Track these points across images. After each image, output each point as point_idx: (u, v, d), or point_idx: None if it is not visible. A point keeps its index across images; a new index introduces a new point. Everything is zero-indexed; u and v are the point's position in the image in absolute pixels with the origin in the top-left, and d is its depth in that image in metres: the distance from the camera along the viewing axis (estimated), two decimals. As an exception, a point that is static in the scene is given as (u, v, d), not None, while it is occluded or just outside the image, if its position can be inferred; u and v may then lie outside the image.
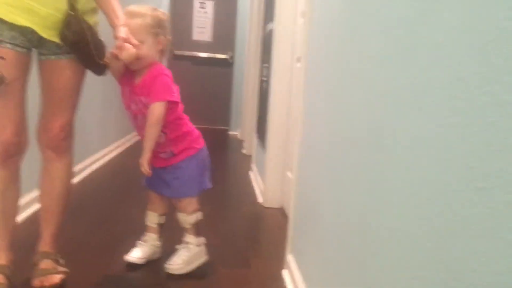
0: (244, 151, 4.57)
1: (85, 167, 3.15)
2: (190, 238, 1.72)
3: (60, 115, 1.50)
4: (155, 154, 1.63)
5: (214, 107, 6.19)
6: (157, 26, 1.57)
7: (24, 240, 1.64)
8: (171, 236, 1.77)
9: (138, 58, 1.50)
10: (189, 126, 1.72)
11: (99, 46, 1.49)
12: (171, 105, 1.59)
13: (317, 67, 1.57)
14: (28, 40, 1.39)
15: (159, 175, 1.67)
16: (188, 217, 1.70)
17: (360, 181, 1.00)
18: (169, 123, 1.61)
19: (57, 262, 1.55)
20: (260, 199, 2.77)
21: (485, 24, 0.57)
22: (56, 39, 1.42)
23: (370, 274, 0.89)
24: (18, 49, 1.37)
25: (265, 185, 2.70)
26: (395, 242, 0.78)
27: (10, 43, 1.35)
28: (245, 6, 5.86)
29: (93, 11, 1.52)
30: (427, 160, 0.69)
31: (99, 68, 1.52)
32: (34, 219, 1.93)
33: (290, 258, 1.67)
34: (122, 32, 1.44)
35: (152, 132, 1.56)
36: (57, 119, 1.49)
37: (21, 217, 1.96)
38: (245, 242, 2.14)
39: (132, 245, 1.75)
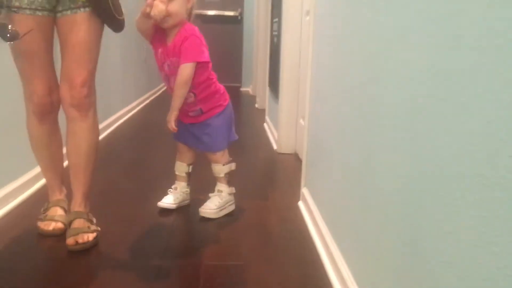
0: (257, 105, 4.75)
1: (109, 124, 3.38)
2: (222, 186, 1.82)
3: (81, 70, 1.49)
4: (184, 113, 1.72)
5: (225, 64, 6.30)
6: None
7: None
8: (198, 186, 1.95)
9: (168, 14, 1.53)
10: (217, 84, 1.77)
11: (116, 2, 1.51)
12: (201, 65, 1.62)
13: (323, 20, 1.73)
14: (47, 1, 1.41)
15: (188, 130, 1.77)
16: (223, 167, 1.80)
17: (360, 120, 1.20)
18: (199, 84, 1.66)
19: (89, 221, 1.58)
20: (275, 146, 2.99)
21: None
22: None
23: (367, 190, 1.11)
24: (38, 12, 1.40)
25: (279, 133, 2.91)
26: (386, 164, 0.99)
27: (29, 9, 1.38)
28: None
29: None
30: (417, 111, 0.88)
31: (117, 23, 1.54)
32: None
33: (304, 191, 1.91)
34: None
35: (180, 92, 1.61)
36: (78, 74, 1.48)
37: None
38: (263, 180, 2.38)
39: (160, 193, 1.89)
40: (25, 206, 1.86)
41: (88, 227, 1.55)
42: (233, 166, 1.85)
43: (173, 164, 1.90)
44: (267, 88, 3.80)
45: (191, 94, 1.67)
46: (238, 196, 1.90)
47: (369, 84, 1.14)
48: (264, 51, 4.18)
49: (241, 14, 6.26)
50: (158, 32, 1.64)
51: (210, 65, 1.69)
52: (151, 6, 1.49)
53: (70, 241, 1.50)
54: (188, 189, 1.91)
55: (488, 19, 0.62)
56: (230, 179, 1.86)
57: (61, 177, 1.69)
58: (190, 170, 1.90)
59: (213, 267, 1.42)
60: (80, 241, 1.50)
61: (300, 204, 1.94)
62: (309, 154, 1.93)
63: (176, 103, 1.64)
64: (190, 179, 1.91)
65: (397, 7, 0.97)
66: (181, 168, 1.89)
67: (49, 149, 1.62)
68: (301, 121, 2.62)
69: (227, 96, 1.82)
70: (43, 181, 1.94)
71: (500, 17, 0.59)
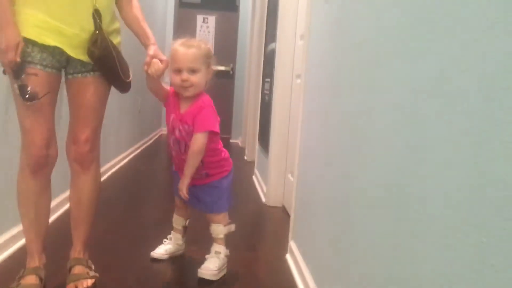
0: (246, 157, 4.90)
1: (103, 172, 3.47)
2: (220, 248, 1.82)
3: (85, 128, 1.58)
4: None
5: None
6: (209, 57, 1.70)
7: (55, 239, 1.78)
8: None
9: (192, 85, 1.64)
10: (223, 151, 1.84)
11: (123, 64, 1.60)
12: (212, 135, 1.71)
13: (313, 83, 1.91)
14: (57, 60, 1.48)
15: (191, 191, 1.75)
16: (223, 228, 1.82)
17: (344, 180, 1.34)
18: (207, 151, 1.71)
19: (88, 267, 1.65)
20: (263, 199, 3.11)
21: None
22: (82, 57, 1.50)
23: (350, 246, 1.23)
24: (48, 69, 1.46)
25: (267, 186, 3.04)
26: (367, 223, 1.12)
27: (40, 64, 1.44)
28: (245, 22, 6.25)
29: (117, 31, 1.62)
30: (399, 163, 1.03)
31: (124, 85, 1.63)
32: (62, 220, 2.18)
33: (292, 244, 2.01)
34: (151, 49, 1.57)
35: (194, 161, 1.68)
36: (82, 132, 1.57)
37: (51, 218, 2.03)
38: (252, 232, 2.48)
39: (153, 241, 1.97)
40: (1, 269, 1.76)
41: (87, 273, 1.61)
42: (232, 227, 1.86)
43: (165, 213, 1.99)
44: (257, 143, 3.97)
45: (200, 162, 1.73)
46: (228, 246, 1.88)
47: (353, 149, 1.29)
48: (254, 107, 4.39)
49: (233, 69, 6.54)
50: (173, 97, 1.72)
51: (219, 136, 1.77)
52: (148, 64, 1.55)
53: (70, 287, 1.55)
54: (182, 242, 1.98)
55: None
56: (227, 240, 1.86)
57: (44, 242, 1.61)
58: (187, 224, 1.97)
59: None
60: (80, 287, 1.56)
61: (288, 256, 2.04)
62: (297, 208, 2.06)
63: (188, 171, 1.69)
64: (186, 232, 1.98)
65: (377, 73, 1.14)
66: (178, 221, 1.96)
67: (36, 206, 1.57)
68: (290, 176, 2.77)
69: (230, 161, 1.89)
70: (20, 244, 1.91)
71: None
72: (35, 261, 1.57)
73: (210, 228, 1.84)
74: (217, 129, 1.71)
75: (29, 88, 1.39)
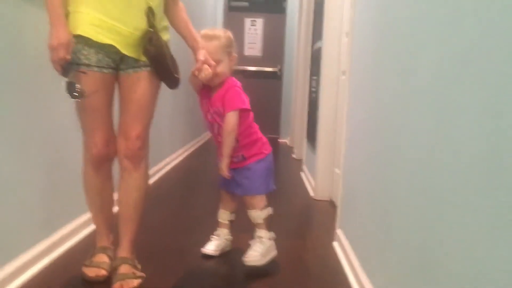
0: (294, 155, 5.00)
1: (159, 169, 3.69)
2: (262, 232, 1.83)
3: (136, 124, 1.58)
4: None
5: (264, 116, 6.55)
6: (229, 45, 1.78)
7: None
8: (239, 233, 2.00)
9: (216, 75, 1.71)
10: (259, 133, 1.88)
11: (174, 61, 1.63)
12: (242, 114, 1.76)
13: (358, 79, 1.99)
14: (113, 60, 1.52)
15: (231, 176, 1.82)
16: (260, 213, 1.83)
17: (388, 168, 1.42)
18: (241, 132, 1.78)
19: (134, 267, 1.65)
20: (311, 193, 3.20)
21: (452, 57, 0.98)
22: (135, 55, 1.53)
23: (392, 229, 1.31)
24: (104, 70, 1.50)
25: (315, 181, 3.13)
26: (408, 207, 1.20)
27: (97, 66, 1.48)
28: (292, 23, 6.34)
29: (166, 29, 1.65)
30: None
31: (174, 81, 1.64)
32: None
33: (339, 232, 2.09)
34: (202, 54, 1.64)
35: (228, 140, 1.75)
36: (133, 128, 1.58)
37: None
38: (300, 223, 2.58)
39: (204, 235, 1.99)
40: (73, 252, 1.90)
41: (133, 273, 1.61)
42: (270, 210, 1.87)
43: (215, 208, 1.99)
44: (305, 140, 4.05)
45: (235, 143, 1.79)
46: (278, 236, 1.92)
47: (392, 141, 1.37)
48: (302, 105, 4.48)
49: (280, 70, 6.66)
50: (205, 86, 1.81)
51: (251, 114, 1.83)
52: (200, 70, 1.66)
53: (116, 286, 1.56)
54: (230, 236, 1.97)
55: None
56: (270, 224, 1.87)
57: (110, 224, 1.74)
58: (233, 218, 1.98)
59: None
60: (125, 287, 1.56)
61: (335, 244, 2.13)
62: (343, 198, 2.14)
63: (226, 151, 1.76)
64: (232, 226, 1.98)
65: (416, 68, 1.21)
66: (224, 215, 1.97)
67: (101, 196, 1.69)
68: (336, 170, 2.84)
69: (269, 147, 1.91)
70: (90, 229, 2.06)
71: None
72: (103, 240, 1.71)
73: (248, 214, 1.85)
74: (246, 105, 1.77)
75: (77, 86, 1.43)
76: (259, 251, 1.80)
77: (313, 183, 3.22)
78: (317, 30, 3.50)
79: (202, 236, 2.03)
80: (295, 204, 3.01)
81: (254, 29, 6.74)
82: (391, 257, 1.33)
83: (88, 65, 1.46)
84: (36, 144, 1.71)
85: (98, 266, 1.63)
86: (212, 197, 3.03)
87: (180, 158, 4.56)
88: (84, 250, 1.82)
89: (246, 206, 1.86)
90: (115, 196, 1.73)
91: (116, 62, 1.54)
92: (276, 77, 6.68)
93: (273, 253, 1.86)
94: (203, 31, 1.75)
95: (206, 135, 6.70)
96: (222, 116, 1.76)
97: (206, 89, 1.82)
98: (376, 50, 1.67)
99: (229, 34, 1.81)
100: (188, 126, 5.17)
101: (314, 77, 3.58)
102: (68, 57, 1.41)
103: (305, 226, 2.55)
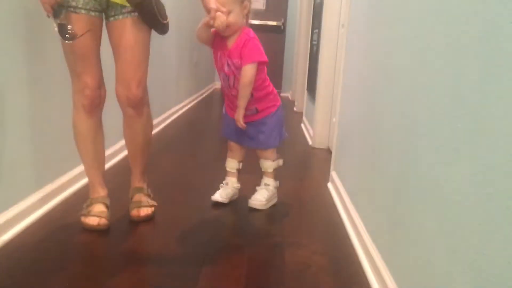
0: (295, 109, 5.15)
1: (164, 119, 3.85)
2: (269, 181, 1.97)
3: (135, 73, 1.60)
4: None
5: (267, 71, 6.76)
6: None
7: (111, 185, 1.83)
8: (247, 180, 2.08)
9: (228, 25, 1.67)
10: (271, 86, 1.90)
11: (161, 7, 1.60)
12: (259, 66, 1.76)
13: (355, 31, 2.11)
14: (99, 3, 1.52)
15: (242, 129, 1.83)
16: (272, 163, 1.95)
17: (374, 116, 1.57)
18: (257, 85, 1.79)
19: (148, 195, 1.79)
20: (310, 142, 3.38)
21: (430, 8, 1.12)
22: (120, 1, 1.53)
23: (377, 166, 1.48)
24: (92, 13, 1.51)
25: (314, 130, 3.30)
26: (390, 149, 1.36)
27: (85, 9, 1.49)
28: (296, -24, 6.30)
29: None
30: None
31: (162, 27, 1.63)
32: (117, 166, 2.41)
33: (333, 174, 2.28)
34: (213, 3, 1.60)
35: (245, 92, 1.75)
36: (133, 77, 1.59)
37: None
38: (299, 167, 2.77)
39: (210, 181, 2.13)
40: (65, 205, 1.89)
41: (147, 202, 1.76)
42: (280, 162, 1.98)
43: (219, 155, 2.08)
44: (305, 92, 4.19)
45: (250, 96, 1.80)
46: (278, 179, 2.04)
47: (381, 87, 1.52)
48: (304, 59, 4.58)
49: (284, 24, 6.68)
50: (217, 37, 1.78)
51: (266, 64, 1.82)
52: (214, 18, 1.62)
53: (134, 212, 1.72)
54: (238, 185, 2.03)
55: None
56: (276, 173, 2.00)
57: (103, 175, 1.75)
58: (240, 167, 2.03)
59: (258, 245, 1.64)
60: (142, 214, 1.72)
61: (329, 184, 2.32)
62: (338, 143, 2.31)
63: (242, 102, 1.77)
64: (239, 174, 2.04)
65: (409, 22, 1.35)
66: (232, 164, 2.01)
67: (94, 144, 1.68)
68: (334, 119, 2.99)
69: (279, 98, 1.96)
70: (79, 184, 2.05)
71: (450, 35, 0.97)
72: (99, 191, 1.71)
73: (260, 163, 1.97)
74: (264, 58, 1.76)
75: (69, 27, 1.43)
76: (265, 196, 1.94)
77: (312, 133, 3.39)
78: (320, -17, 3.56)
79: (208, 178, 2.21)
80: (295, 152, 3.19)
81: (258, -19, 6.71)
82: (374, 188, 1.52)
83: (75, 7, 1.47)
84: (20, 97, 1.65)
85: (98, 215, 1.64)
86: (216, 145, 3.22)
87: (185, 109, 4.72)
88: (76, 203, 1.82)
89: (259, 155, 1.96)
90: (107, 150, 1.72)
91: (102, 6, 1.54)
92: (279, 31, 6.71)
93: (275, 200, 2.01)
94: None
95: (210, 88, 6.82)
96: (239, 68, 1.75)
97: (218, 41, 1.78)
98: (372, 1, 1.78)
99: None
100: (192, 78, 5.30)
101: (316, 31, 3.67)
102: None
103: (303, 171, 2.74)
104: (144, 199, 1.77)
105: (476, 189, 0.81)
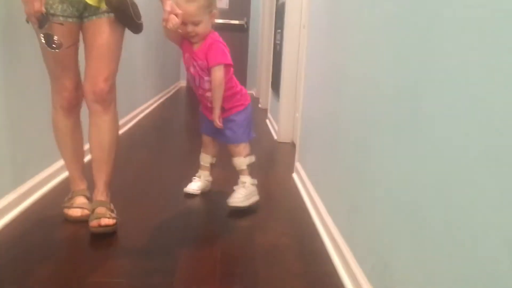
0: (260, 105, 5.31)
1: (133, 117, 3.92)
2: (245, 178, 1.99)
3: (104, 69, 1.62)
4: (209, 110, 1.91)
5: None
6: (209, 4, 1.77)
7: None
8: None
9: (197, 34, 1.77)
10: (239, 86, 1.97)
11: (135, 7, 1.64)
12: (225, 68, 1.83)
13: (315, 31, 2.28)
14: (76, 9, 1.56)
15: (212, 124, 1.92)
16: (244, 160, 1.98)
17: (334, 108, 1.75)
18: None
19: (110, 210, 1.69)
20: (275, 136, 3.55)
21: (377, 15, 1.30)
22: (97, 4, 1.57)
23: (335, 154, 1.65)
24: (69, 19, 1.55)
25: (279, 125, 3.47)
26: (348, 138, 1.54)
27: (62, 16, 1.53)
28: (258, -24, 6.46)
29: None
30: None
31: (136, 27, 1.67)
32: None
33: (297, 165, 2.46)
34: (168, 5, 1.62)
35: (217, 93, 1.84)
36: (101, 73, 1.62)
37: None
38: (265, 160, 2.93)
39: (180, 177, 2.22)
40: (47, 198, 1.96)
41: (110, 214, 1.65)
42: (253, 158, 2.02)
43: (189, 152, 2.20)
44: (270, 89, 4.36)
45: None
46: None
47: (339, 85, 1.69)
48: (268, 57, 4.75)
49: (247, 23, 6.83)
50: (186, 38, 1.85)
51: (232, 68, 1.91)
52: (166, 21, 1.64)
53: (93, 223, 1.61)
54: (210, 178, 2.15)
55: (389, 40, 1.18)
56: (251, 171, 2.03)
57: (83, 169, 1.82)
58: (213, 161, 2.14)
59: (229, 231, 1.80)
60: (102, 223, 1.61)
61: (294, 175, 2.50)
62: (301, 136, 2.49)
63: (216, 103, 1.86)
64: (212, 169, 2.15)
65: (363, 25, 1.52)
66: (206, 159, 2.12)
67: (72, 141, 1.74)
68: (297, 114, 3.17)
69: (248, 97, 2.02)
70: (61, 177, 2.13)
71: (393, 40, 1.15)
72: (79, 184, 1.79)
73: (233, 161, 2.01)
74: (228, 61, 1.84)
75: (55, 37, 1.50)
76: (242, 193, 1.96)
77: (277, 128, 3.56)
78: (281, -15, 3.73)
79: (179, 176, 2.30)
80: (261, 146, 3.34)
81: (221, -19, 6.83)
82: (334, 175, 1.70)
83: (53, 15, 1.50)
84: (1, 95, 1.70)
85: (81, 207, 1.72)
86: (184, 142, 3.34)
87: (153, 107, 4.80)
88: (57, 196, 1.90)
89: (231, 153, 2.01)
90: (86, 144, 1.76)
91: (79, 11, 1.57)
92: (242, 29, 6.85)
93: (255, 197, 2.00)
94: None
95: (176, 86, 6.90)
96: (205, 70, 1.83)
97: (187, 43, 1.85)
98: (331, 4, 1.96)
99: None
100: (159, 77, 5.38)
101: (279, 31, 3.84)
102: (43, 9, 1.45)
103: (269, 164, 2.90)
104: (107, 212, 1.66)
105: (415, 173, 0.99)
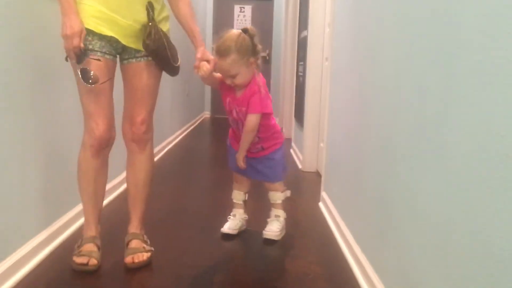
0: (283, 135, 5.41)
1: (161, 149, 4.06)
2: (279, 212, 2.04)
3: (142, 111, 1.68)
4: (248, 149, 1.92)
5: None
6: (244, 53, 1.72)
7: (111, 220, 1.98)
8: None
9: (235, 85, 1.77)
10: (276, 126, 1.98)
11: (173, 51, 1.68)
12: (265, 115, 1.85)
13: (338, 65, 2.37)
14: (114, 48, 1.60)
15: (248, 162, 1.93)
16: (280, 195, 2.03)
17: (358, 138, 1.82)
18: (261, 126, 1.86)
19: (145, 242, 1.74)
20: (300, 166, 3.62)
21: (399, 53, 1.38)
22: (135, 46, 1.61)
23: (362, 186, 1.71)
24: (107, 56, 1.58)
25: (303, 155, 3.54)
26: (373, 168, 1.60)
27: (100, 51, 1.55)
28: (280, 11, 6.70)
29: (166, 19, 1.71)
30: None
31: (174, 70, 1.72)
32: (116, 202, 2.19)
33: (323, 194, 2.52)
34: (199, 52, 1.65)
35: (247, 138, 1.85)
36: (138, 114, 1.68)
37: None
38: (291, 190, 2.95)
39: (215, 211, 2.31)
40: (69, 243, 1.86)
41: (144, 248, 1.71)
42: (288, 193, 2.07)
43: (218, 183, 2.24)
44: (293, 119, 4.46)
45: (256, 137, 1.90)
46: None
47: (365, 117, 1.77)
48: (291, 89, 4.87)
49: (269, 54, 7.02)
50: (224, 82, 1.82)
51: (271, 115, 1.92)
52: (197, 68, 1.65)
53: (128, 259, 1.66)
54: (246, 215, 2.10)
55: (411, 77, 1.26)
56: (294, 211, 2.13)
57: (99, 214, 1.75)
58: (246, 198, 2.11)
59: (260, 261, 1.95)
60: (136, 260, 1.66)
61: (320, 204, 2.55)
62: (327, 166, 2.55)
63: (244, 145, 1.88)
64: (246, 206, 2.12)
65: (386, 58, 1.61)
66: (239, 196, 2.09)
67: (95, 182, 1.69)
68: (321, 144, 3.25)
69: (282, 134, 2.05)
70: (75, 226, 2.03)
71: (415, 77, 1.23)
72: (92, 230, 1.71)
73: (268, 195, 2.04)
74: (269, 110, 1.86)
75: (92, 73, 1.50)
76: (279, 227, 2.01)
77: (301, 157, 3.63)
78: (303, 20, 3.88)
79: (207, 208, 2.37)
80: (286, 176, 3.41)
81: (243, 15, 7.08)
82: (361, 204, 1.75)
83: (91, 50, 1.53)
84: (34, 138, 1.70)
85: (88, 255, 1.64)
86: (212, 172, 3.42)
87: (179, 138, 4.95)
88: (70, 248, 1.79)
89: (267, 188, 2.04)
90: (122, 177, 1.81)
91: (117, 51, 1.63)
92: (265, 61, 7.03)
93: (284, 231, 2.07)
94: (216, 45, 1.74)
95: (201, 117, 7.07)
96: (246, 115, 1.83)
97: (228, 87, 1.83)
98: (354, 39, 2.05)
99: (243, 38, 1.72)
100: (185, 109, 5.56)
101: (301, 63, 3.96)
102: (82, 45, 1.47)
103: (295, 193, 2.92)
104: (141, 245, 1.72)
105: (441, 197, 1.05)
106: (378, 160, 1.56)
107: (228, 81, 1.77)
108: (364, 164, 1.73)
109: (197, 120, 6.61)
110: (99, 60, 1.53)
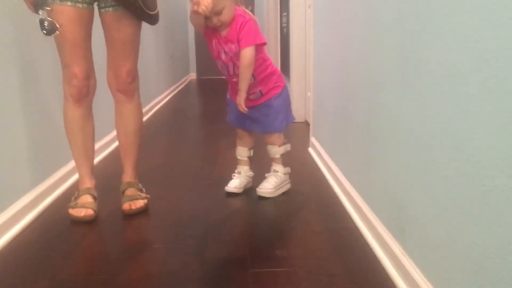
0: (271, 90, 5.42)
1: (149, 109, 4.06)
2: (278, 167, 1.91)
3: (125, 61, 1.66)
4: (246, 96, 1.73)
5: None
6: None
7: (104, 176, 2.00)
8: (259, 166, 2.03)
9: (220, 22, 1.63)
10: (273, 66, 1.82)
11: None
12: (258, 47, 1.70)
13: (321, 11, 2.37)
14: None
15: (247, 114, 1.76)
16: (279, 149, 1.88)
17: (342, 85, 1.85)
18: (257, 66, 1.72)
19: (140, 190, 1.78)
20: (288, 117, 3.66)
21: None
22: None
23: (347, 125, 1.76)
24: (79, 5, 1.52)
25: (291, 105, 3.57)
26: (358, 103, 1.64)
27: (71, 1, 1.50)
28: (260, -37, 6.52)
29: None
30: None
31: (150, 18, 1.66)
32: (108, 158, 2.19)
33: (312, 139, 2.57)
34: None
35: (245, 75, 1.68)
36: (123, 65, 1.66)
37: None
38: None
39: (203, 166, 2.40)
40: (57, 202, 1.88)
41: (139, 195, 1.75)
42: (288, 147, 1.92)
43: (207, 138, 2.24)
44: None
45: (252, 77, 1.72)
46: (262, 148, 2.00)
47: (346, 57, 1.79)
48: (275, 41, 4.83)
49: (252, 10, 6.89)
50: (209, 26, 1.69)
51: (265, 47, 1.78)
52: (197, 3, 1.56)
53: (125, 206, 1.71)
54: (252, 173, 1.98)
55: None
56: (285, 159, 1.95)
57: (92, 167, 1.77)
58: (251, 154, 1.96)
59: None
60: (133, 207, 1.71)
61: (310, 149, 2.61)
62: (314, 112, 2.59)
63: (243, 85, 1.69)
64: (251, 162, 1.99)
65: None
66: (243, 152, 1.95)
67: (82, 132, 1.69)
68: (309, 93, 3.27)
69: (283, 79, 1.89)
70: (71, 181, 2.07)
71: (393, 4, 1.25)
72: (86, 182, 1.73)
73: (267, 148, 1.91)
74: (261, 40, 1.72)
75: (45, 23, 1.47)
76: (273, 184, 1.89)
77: (290, 108, 3.66)
78: (284, -31, 3.81)
79: (198, 161, 2.44)
80: (286, 126, 3.44)
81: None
82: (347, 140, 1.81)
83: (61, 0, 1.49)
84: (21, 97, 1.71)
85: (84, 206, 1.66)
86: (202, 129, 3.45)
87: (166, 99, 4.94)
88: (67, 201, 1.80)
89: (266, 141, 1.90)
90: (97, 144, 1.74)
91: None
92: (248, 18, 6.94)
93: (287, 186, 1.95)
94: None
95: (186, 79, 7.03)
96: (238, 54, 1.68)
97: (212, 29, 1.70)
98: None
99: None
100: (170, 70, 5.51)
101: (284, 14, 3.93)
102: None
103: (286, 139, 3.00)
104: (136, 192, 1.77)
105: (422, 114, 1.10)
106: (361, 91, 1.60)
107: (214, 20, 1.63)
108: (349, 100, 1.77)
109: (184, 82, 6.58)
110: (50, 10, 1.49)
